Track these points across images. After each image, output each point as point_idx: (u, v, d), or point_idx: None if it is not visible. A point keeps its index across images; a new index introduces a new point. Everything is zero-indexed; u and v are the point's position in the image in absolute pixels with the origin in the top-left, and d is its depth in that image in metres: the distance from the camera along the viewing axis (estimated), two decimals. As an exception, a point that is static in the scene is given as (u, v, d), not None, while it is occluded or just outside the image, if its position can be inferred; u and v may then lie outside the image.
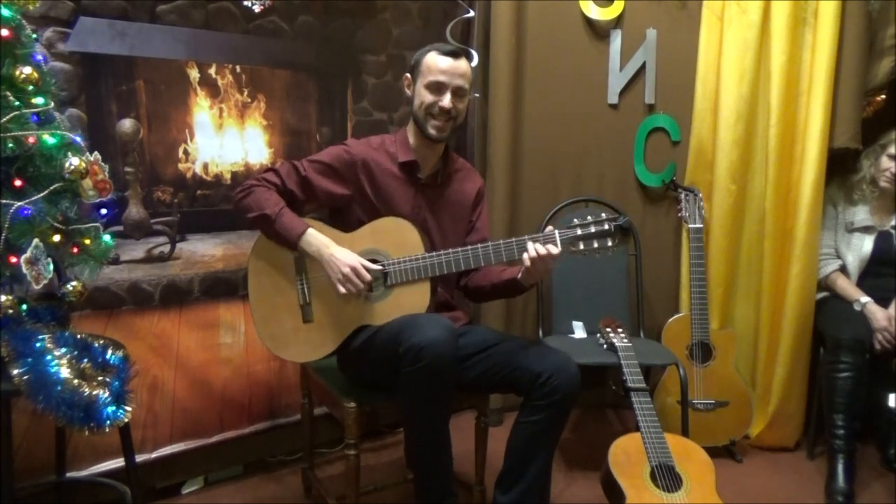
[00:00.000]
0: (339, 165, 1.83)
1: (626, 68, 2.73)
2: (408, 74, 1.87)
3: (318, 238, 1.76)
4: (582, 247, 1.67)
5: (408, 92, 1.88)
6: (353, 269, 1.71)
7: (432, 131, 1.80)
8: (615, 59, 2.73)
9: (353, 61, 2.40)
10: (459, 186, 1.96)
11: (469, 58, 1.85)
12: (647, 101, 2.75)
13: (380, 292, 1.77)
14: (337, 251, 1.74)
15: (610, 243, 1.66)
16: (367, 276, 1.72)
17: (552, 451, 1.77)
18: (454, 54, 1.80)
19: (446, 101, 1.78)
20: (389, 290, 1.77)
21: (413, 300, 1.75)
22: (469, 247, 1.74)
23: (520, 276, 1.75)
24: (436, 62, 1.79)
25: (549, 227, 1.71)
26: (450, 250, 1.74)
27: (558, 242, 1.66)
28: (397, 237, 1.78)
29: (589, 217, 1.68)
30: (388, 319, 1.72)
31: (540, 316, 2.63)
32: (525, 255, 1.66)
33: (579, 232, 1.66)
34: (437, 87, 1.78)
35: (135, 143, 2.00)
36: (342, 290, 1.72)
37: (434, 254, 1.75)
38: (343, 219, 1.86)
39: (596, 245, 1.66)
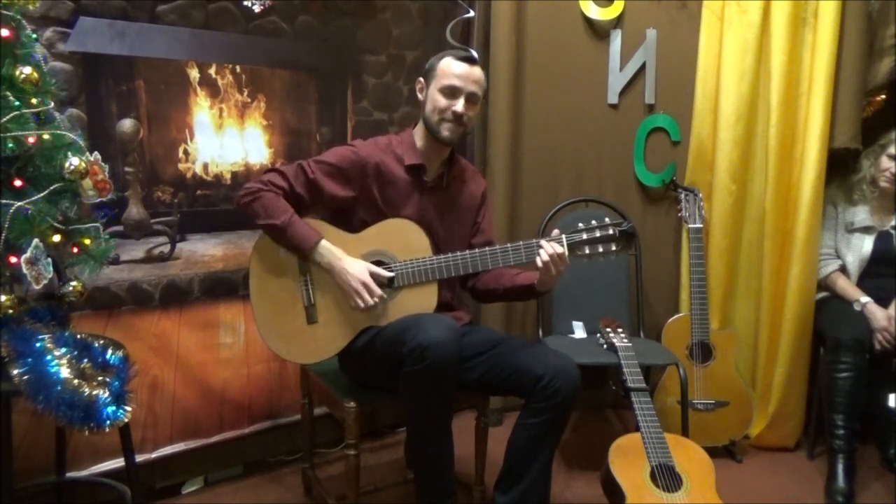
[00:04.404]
0: (347, 166, 1.81)
1: (626, 68, 2.73)
2: (421, 79, 1.87)
3: (329, 250, 1.75)
4: (587, 251, 1.68)
5: (420, 96, 1.87)
6: (364, 285, 1.71)
7: (445, 133, 1.80)
8: (615, 59, 2.73)
9: (353, 61, 2.40)
10: (464, 189, 1.95)
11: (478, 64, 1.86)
12: (647, 101, 2.75)
13: (386, 294, 1.77)
14: (348, 264, 1.73)
15: (614, 248, 1.68)
16: (378, 291, 1.72)
17: (552, 453, 1.77)
18: (470, 60, 1.81)
19: (459, 105, 1.78)
20: (396, 292, 1.77)
21: (420, 302, 1.75)
22: (477, 250, 1.75)
23: (536, 282, 1.76)
24: (451, 67, 1.79)
25: (556, 231, 1.71)
26: (458, 253, 1.75)
27: (565, 245, 1.67)
28: (404, 239, 1.78)
29: (594, 221, 1.70)
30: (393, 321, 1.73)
31: (540, 316, 2.63)
32: (538, 259, 1.67)
33: (584, 236, 1.68)
34: (451, 92, 1.78)
35: (135, 143, 2.00)
36: (352, 303, 1.73)
37: (441, 256, 1.75)
38: (345, 220, 1.85)
39: (601, 249, 1.68)
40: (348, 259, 1.75)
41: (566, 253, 1.67)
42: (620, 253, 1.70)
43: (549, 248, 1.66)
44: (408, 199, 1.85)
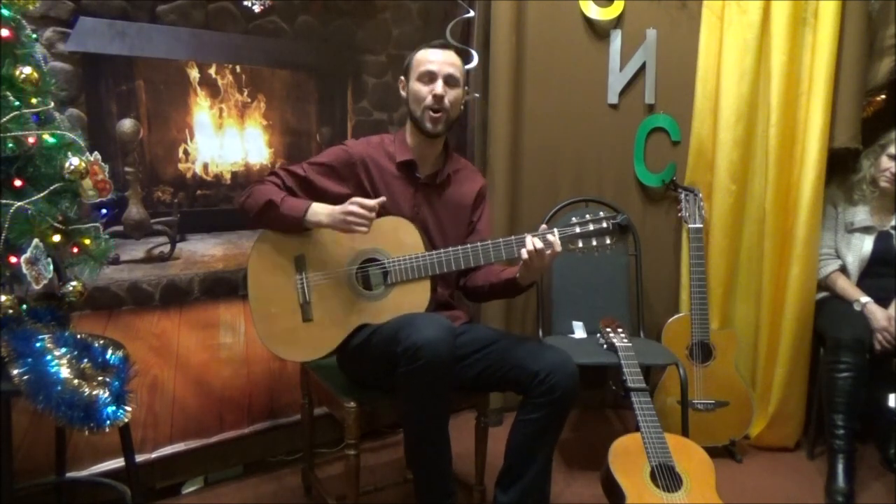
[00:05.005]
0: (339, 165, 1.84)
1: (626, 68, 2.73)
2: (402, 77, 1.90)
3: (322, 206, 1.76)
4: (581, 244, 1.68)
5: (403, 93, 1.90)
6: (356, 203, 1.68)
7: (429, 125, 1.81)
8: (615, 59, 2.73)
9: (353, 61, 2.40)
10: (460, 187, 1.96)
11: (462, 54, 1.87)
12: (647, 101, 2.74)
13: (380, 291, 1.77)
14: (334, 207, 1.73)
15: (608, 241, 1.67)
16: (371, 203, 1.69)
17: (552, 450, 1.77)
18: (443, 46, 1.85)
19: (439, 87, 1.79)
20: (389, 289, 1.77)
21: (413, 299, 1.75)
22: (469, 245, 1.75)
23: (518, 274, 1.76)
24: (425, 55, 1.83)
25: (544, 226, 1.70)
26: (449, 249, 1.75)
27: (556, 236, 1.66)
28: (397, 236, 1.78)
29: (587, 215, 1.69)
30: (387, 318, 1.72)
31: (540, 316, 2.63)
32: (523, 250, 1.67)
33: (578, 230, 1.67)
34: (428, 77, 1.81)
35: (135, 143, 2.00)
36: (357, 230, 1.69)
37: (433, 252, 1.75)
38: (343, 218, 1.87)
39: (595, 243, 1.67)
40: (333, 206, 1.74)
41: (559, 246, 1.66)
42: (616, 246, 1.69)
43: (538, 243, 1.65)
44: (401, 196, 1.86)
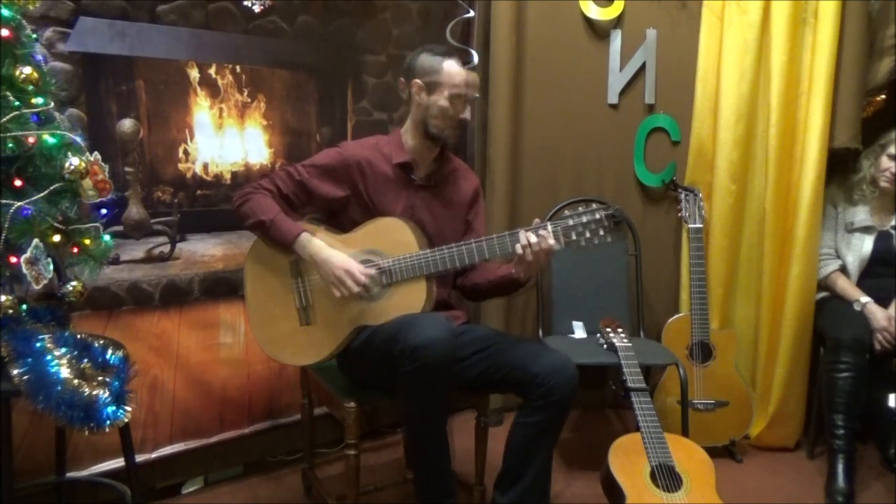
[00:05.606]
0: (334, 167, 1.83)
1: (626, 68, 2.73)
2: (418, 80, 1.82)
3: (311, 242, 1.76)
4: (574, 237, 1.65)
5: (417, 98, 1.83)
6: (347, 272, 1.71)
7: (452, 139, 1.85)
8: (615, 59, 2.73)
9: (353, 61, 2.40)
10: (455, 187, 1.96)
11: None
12: (647, 101, 2.74)
13: (377, 292, 1.77)
14: (330, 254, 1.74)
15: (602, 232, 1.64)
16: (362, 278, 1.71)
17: (551, 452, 1.77)
18: (468, 64, 1.89)
19: (468, 113, 1.83)
20: (386, 290, 1.77)
21: (410, 299, 1.75)
22: (463, 242, 1.73)
23: (514, 270, 1.75)
24: (459, 73, 1.81)
25: (537, 220, 1.69)
26: (444, 247, 1.74)
27: (550, 230, 1.65)
28: (393, 237, 1.78)
29: (580, 208, 1.68)
30: (385, 319, 1.72)
31: (540, 316, 2.63)
32: (518, 245, 1.66)
33: (571, 222, 1.65)
34: (462, 100, 1.81)
35: (135, 143, 2.00)
36: (336, 293, 1.73)
37: (429, 251, 1.74)
38: (339, 220, 1.87)
39: (589, 235, 1.65)
40: (331, 250, 1.75)
41: (552, 238, 1.64)
42: (612, 237, 1.66)
43: (531, 237, 1.64)
44: (397, 198, 1.86)
